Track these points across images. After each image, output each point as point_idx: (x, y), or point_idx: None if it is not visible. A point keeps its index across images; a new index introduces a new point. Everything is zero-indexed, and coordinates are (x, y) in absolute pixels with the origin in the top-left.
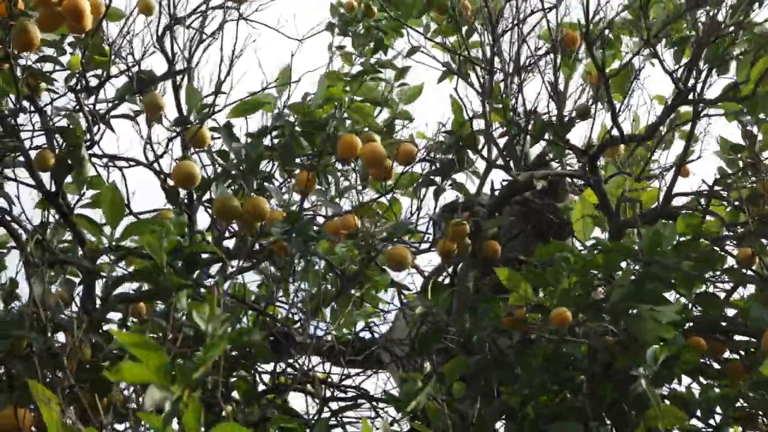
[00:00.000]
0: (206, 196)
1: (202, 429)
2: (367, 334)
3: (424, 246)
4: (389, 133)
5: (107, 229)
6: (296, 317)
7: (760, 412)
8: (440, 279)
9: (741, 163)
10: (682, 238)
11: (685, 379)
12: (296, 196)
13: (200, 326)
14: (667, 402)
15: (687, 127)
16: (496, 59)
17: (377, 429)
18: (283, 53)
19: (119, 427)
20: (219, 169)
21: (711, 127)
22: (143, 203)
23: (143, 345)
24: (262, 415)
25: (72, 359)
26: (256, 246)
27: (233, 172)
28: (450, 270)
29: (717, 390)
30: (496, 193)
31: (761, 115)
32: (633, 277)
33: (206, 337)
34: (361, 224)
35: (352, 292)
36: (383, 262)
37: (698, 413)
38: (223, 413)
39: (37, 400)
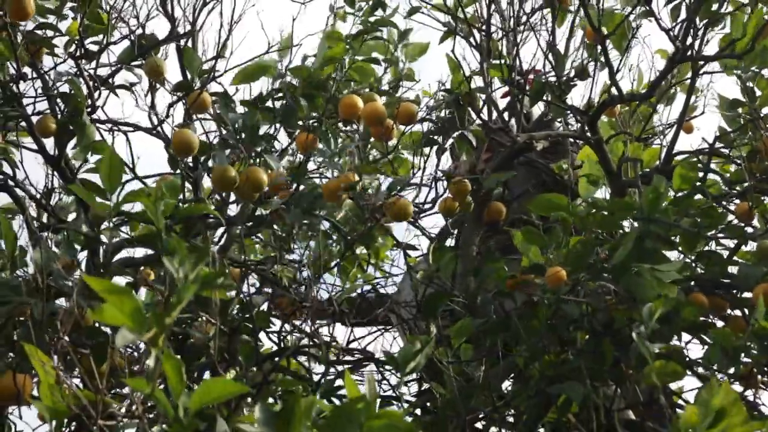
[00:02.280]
0: (210, 162)
1: None
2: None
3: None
4: (394, 92)
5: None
6: (303, 276)
7: (765, 368)
8: (446, 241)
9: (741, 120)
10: (680, 194)
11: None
12: (299, 156)
13: (171, 271)
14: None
15: (688, 83)
16: (496, 17)
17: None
18: (285, 16)
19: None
20: (219, 137)
21: (713, 84)
22: (149, 168)
23: (115, 290)
24: (264, 378)
25: (67, 323)
26: (258, 212)
27: (232, 142)
28: (455, 232)
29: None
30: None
31: (754, 68)
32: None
33: (177, 281)
34: (360, 180)
35: (357, 252)
36: (385, 218)
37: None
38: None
39: (33, 363)
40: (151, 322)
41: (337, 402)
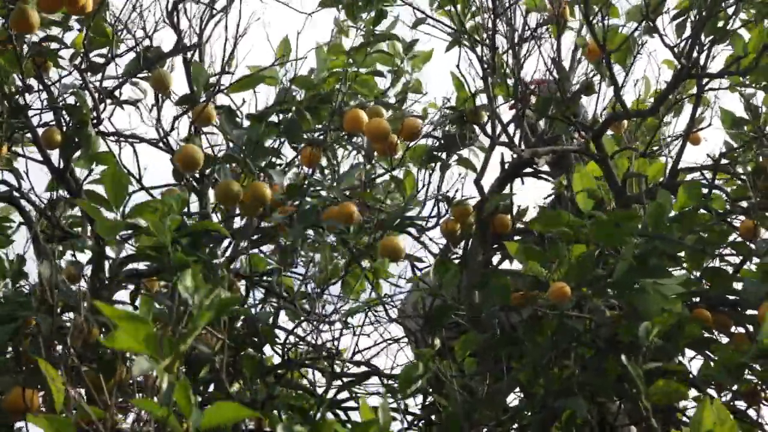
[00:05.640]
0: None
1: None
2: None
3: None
4: (400, 105)
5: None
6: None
7: (765, 386)
8: (452, 254)
9: (746, 137)
10: (685, 209)
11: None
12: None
13: (185, 297)
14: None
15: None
16: (501, 30)
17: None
18: (291, 28)
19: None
20: (224, 151)
21: (720, 99)
22: (154, 179)
23: (130, 318)
24: (269, 393)
25: (75, 339)
26: (263, 224)
27: (237, 156)
28: (462, 245)
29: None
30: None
31: (764, 83)
32: (637, 252)
33: (192, 308)
34: (358, 214)
35: (363, 264)
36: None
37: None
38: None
39: (47, 379)
40: (165, 349)
41: (341, 414)
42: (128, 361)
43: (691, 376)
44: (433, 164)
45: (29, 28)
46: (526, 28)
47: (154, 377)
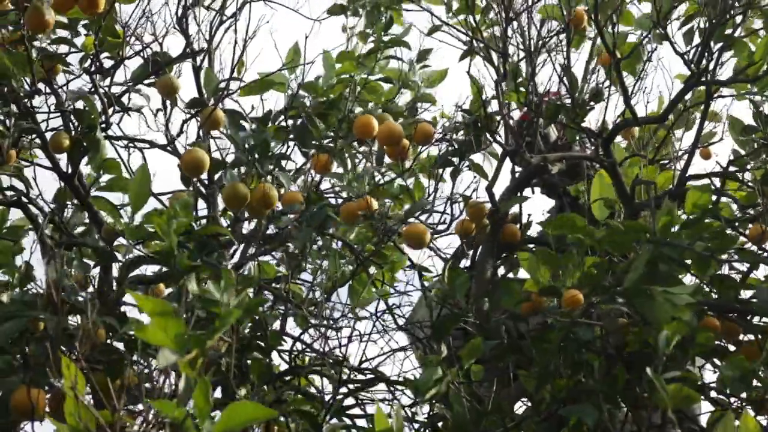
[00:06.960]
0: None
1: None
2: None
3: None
4: (411, 114)
5: (126, 211)
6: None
7: None
8: (460, 263)
9: (756, 144)
10: (692, 216)
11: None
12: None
13: (215, 296)
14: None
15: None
16: (515, 40)
17: (392, 413)
18: (300, 35)
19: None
20: (232, 155)
21: (730, 108)
22: (163, 184)
23: (164, 313)
24: (277, 397)
25: (83, 341)
26: (271, 229)
27: (246, 159)
28: (470, 253)
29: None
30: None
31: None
32: (646, 258)
33: (221, 306)
34: (377, 206)
35: (370, 270)
36: (401, 241)
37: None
38: (237, 396)
39: (64, 378)
40: (191, 344)
41: (347, 421)
42: (136, 365)
43: (700, 383)
44: (442, 169)
45: (44, 26)
46: (538, 36)
47: (166, 378)
